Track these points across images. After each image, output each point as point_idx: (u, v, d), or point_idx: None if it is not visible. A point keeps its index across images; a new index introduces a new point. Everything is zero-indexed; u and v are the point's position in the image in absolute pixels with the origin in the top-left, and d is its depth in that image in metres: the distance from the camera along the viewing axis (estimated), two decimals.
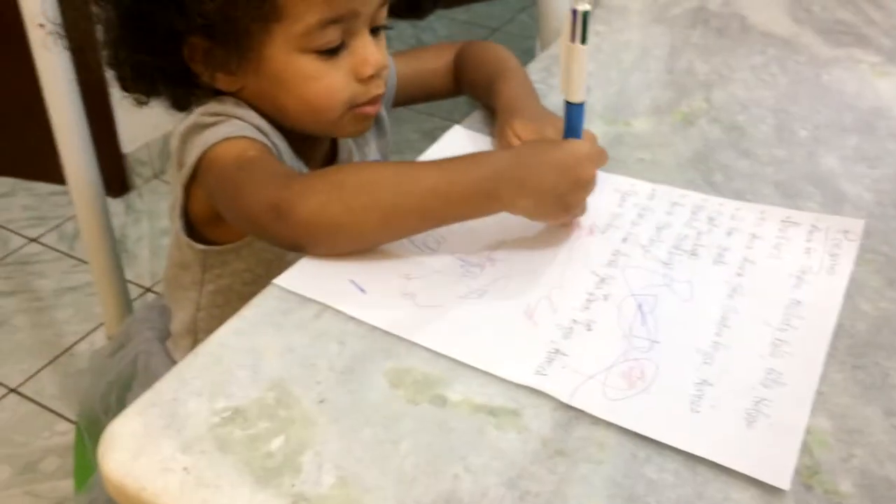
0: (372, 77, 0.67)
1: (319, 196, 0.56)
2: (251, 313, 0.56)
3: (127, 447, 0.46)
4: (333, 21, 0.64)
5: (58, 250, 1.77)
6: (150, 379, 0.83)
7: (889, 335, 0.56)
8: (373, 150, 0.80)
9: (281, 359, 0.52)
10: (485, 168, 0.57)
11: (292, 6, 0.63)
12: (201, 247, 0.71)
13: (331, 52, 0.65)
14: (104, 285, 1.08)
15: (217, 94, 0.69)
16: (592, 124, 0.77)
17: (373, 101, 0.69)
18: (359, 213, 0.56)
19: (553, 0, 0.99)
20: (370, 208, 0.56)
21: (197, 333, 0.79)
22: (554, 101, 0.80)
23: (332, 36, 0.64)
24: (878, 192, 0.69)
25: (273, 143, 0.67)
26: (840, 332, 0.56)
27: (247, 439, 0.47)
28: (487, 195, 0.56)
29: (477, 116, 0.78)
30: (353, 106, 0.68)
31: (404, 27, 2.57)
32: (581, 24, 0.56)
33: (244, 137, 0.64)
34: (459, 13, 2.64)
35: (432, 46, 0.86)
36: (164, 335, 0.85)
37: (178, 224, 0.69)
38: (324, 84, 0.65)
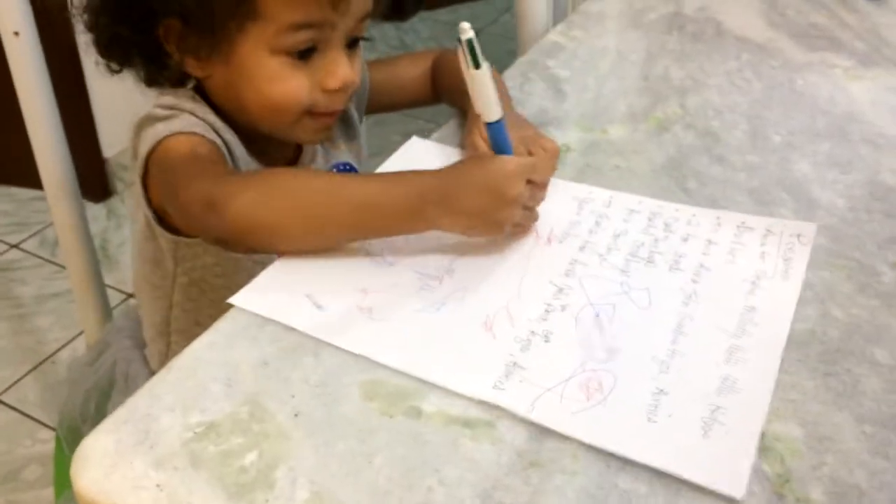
0: (337, 91, 0.68)
1: (250, 194, 0.57)
2: (226, 326, 0.56)
3: (100, 464, 0.46)
4: (307, 26, 0.64)
5: (39, 256, 1.76)
6: (129, 386, 0.84)
7: (860, 341, 0.56)
8: (343, 154, 0.80)
9: (255, 372, 0.52)
10: (412, 186, 0.58)
11: (269, 7, 0.63)
12: (172, 236, 0.71)
13: (300, 56, 0.66)
14: (83, 292, 1.07)
15: (184, 76, 0.70)
16: (569, 132, 0.77)
17: (331, 113, 0.69)
18: (285, 216, 0.57)
19: (530, 6, 1.00)
20: (296, 213, 0.58)
21: (170, 335, 0.79)
22: (531, 109, 0.80)
23: (302, 38, 0.65)
24: (851, 198, 0.70)
25: (224, 139, 0.67)
26: (812, 338, 0.56)
27: (220, 455, 0.47)
28: (412, 213, 0.58)
29: (453, 125, 0.79)
30: (310, 112, 0.68)
31: (388, 29, 2.57)
32: (469, 51, 0.57)
33: (195, 134, 0.65)
34: (442, 14, 2.65)
35: (408, 55, 0.87)
36: (143, 343, 0.85)
37: (147, 213, 0.69)
38: (286, 86, 0.66)
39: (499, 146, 0.61)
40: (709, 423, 0.49)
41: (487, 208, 0.58)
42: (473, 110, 0.73)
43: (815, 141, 0.77)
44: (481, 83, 0.58)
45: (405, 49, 2.47)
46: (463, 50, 0.57)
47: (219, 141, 0.67)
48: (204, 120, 0.67)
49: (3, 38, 0.89)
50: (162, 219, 0.70)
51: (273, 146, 0.74)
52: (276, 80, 0.66)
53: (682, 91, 0.84)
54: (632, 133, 0.78)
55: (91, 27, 0.69)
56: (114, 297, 1.59)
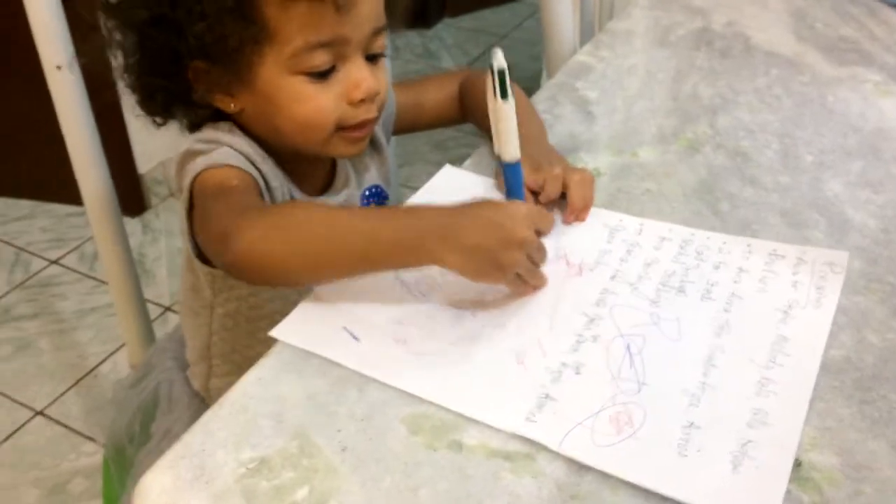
0: (363, 101, 0.69)
1: (257, 230, 0.59)
2: (273, 361, 0.58)
3: (158, 501, 0.48)
4: (321, 45, 0.66)
5: (78, 272, 1.80)
6: (173, 407, 0.86)
7: None
8: (373, 176, 0.82)
9: (302, 407, 0.54)
10: (415, 220, 0.58)
11: (281, 29, 0.65)
12: (209, 269, 0.73)
13: (321, 76, 0.68)
14: (124, 306, 1.10)
15: (222, 116, 0.72)
16: (599, 155, 0.78)
17: (362, 125, 0.71)
18: (289, 250, 0.58)
19: (556, 26, 1.01)
20: (301, 247, 0.58)
21: (211, 359, 0.81)
22: (560, 131, 0.82)
23: (320, 59, 0.67)
24: (884, 219, 0.70)
25: (259, 170, 0.69)
26: (847, 365, 0.57)
27: (273, 490, 0.49)
28: (414, 247, 0.57)
29: (484, 152, 0.80)
30: (341, 127, 0.70)
31: (412, 36, 2.59)
32: (499, 81, 0.56)
33: (229, 166, 0.67)
34: (467, 21, 2.66)
35: (435, 76, 0.88)
36: (186, 364, 0.88)
37: (188, 246, 0.72)
38: (312, 105, 0.68)
39: (512, 189, 0.60)
40: (739, 457, 0.50)
41: (492, 247, 0.57)
42: None
43: (847, 160, 0.77)
44: (505, 118, 0.58)
45: (430, 56, 2.49)
46: (493, 78, 0.56)
47: (254, 171, 0.69)
48: (240, 152, 0.69)
49: (46, 71, 0.91)
50: (201, 251, 0.73)
51: (309, 171, 0.76)
52: (301, 101, 0.68)
53: (712, 110, 0.84)
54: (662, 155, 0.78)
55: (131, 86, 0.72)
56: (152, 311, 1.63)
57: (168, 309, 1.70)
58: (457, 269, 0.58)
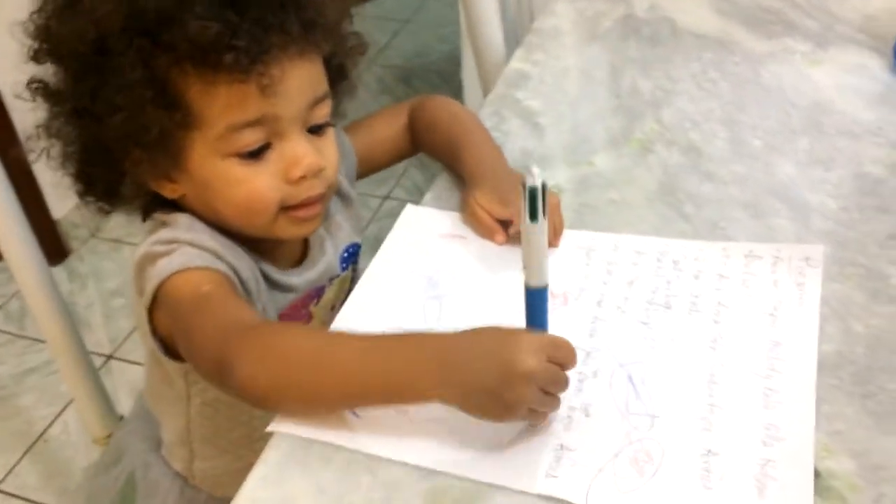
0: (303, 178, 0.65)
1: (251, 366, 0.55)
2: (273, 455, 0.55)
3: None
4: (248, 125, 0.62)
5: (7, 332, 1.71)
6: (153, 491, 0.82)
7: (887, 355, 0.58)
8: (346, 233, 0.78)
9: (314, 502, 0.52)
10: (404, 356, 0.53)
11: (204, 112, 0.62)
12: (179, 364, 0.69)
13: (253, 155, 0.63)
14: (66, 361, 1.04)
15: (168, 203, 0.68)
16: (557, 170, 0.77)
17: (307, 203, 0.66)
18: (281, 389, 0.55)
19: (484, 33, 0.99)
20: (290, 386, 0.55)
21: (192, 443, 0.78)
22: (511, 148, 0.80)
23: (249, 139, 0.63)
24: (841, 198, 0.71)
25: (228, 263, 0.65)
26: (841, 360, 0.58)
27: None
28: (403, 386, 0.53)
29: (443, 183, 0.78)
30: (285, 208, 0.66)
31: None
32: (531, 200, 0.49)
33: (197, 269, 0.63)
34: (369, 8, 2.60)
35: (384, 112, 0.85)
36: (158, 443, 0.84)
37: (152, 345, 0.68)
38: (247, 188, 0.64)
39: (533, 316, 0.54)
40: (762, 480, 0.51)
41: (495, 386, 0.50)
42: (467, 177, 0.73)
43: (793, 139, 0.78)
44: (534, 239, 0.51)
45: None
46: (523, 196, 0.50)
47: (223, 266, 0.64)
48: (204, 248, 0.64)
49: None
50: (168, 347, 0.69)
51: (279, 246, 0.72)
52: (235, 184, 0.64)
53: (655, 104, 0.84)
54: (617, 160, 0.78)
55: (72, 176, 0.67)
56: (94, 362, 1.56)
57: (110, 357, 1.63)
58: (458, 408, 0.52)
